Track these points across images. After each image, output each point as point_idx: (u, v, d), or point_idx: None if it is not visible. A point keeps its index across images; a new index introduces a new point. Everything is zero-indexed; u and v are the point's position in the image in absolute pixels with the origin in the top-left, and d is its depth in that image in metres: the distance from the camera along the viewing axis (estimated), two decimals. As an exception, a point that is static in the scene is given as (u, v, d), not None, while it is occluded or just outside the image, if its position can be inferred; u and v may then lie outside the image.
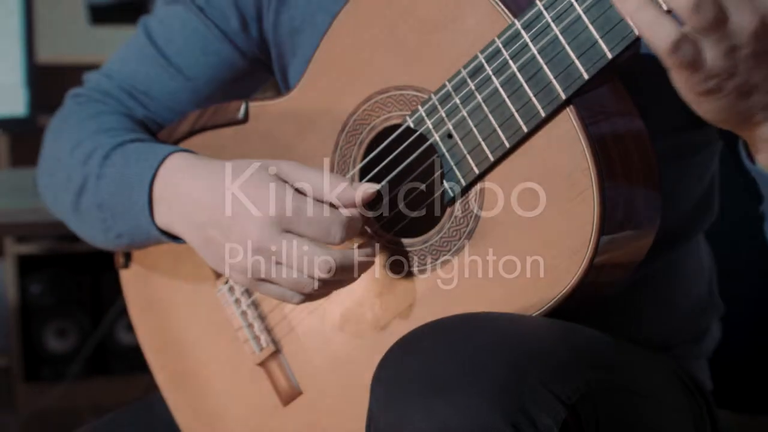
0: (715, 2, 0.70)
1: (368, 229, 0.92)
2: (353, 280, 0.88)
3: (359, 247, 0.87)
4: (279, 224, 0.86)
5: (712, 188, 1.09)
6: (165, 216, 0.96)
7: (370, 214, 0.90)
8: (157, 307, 1.10)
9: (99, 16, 2.11)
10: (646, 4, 0.71)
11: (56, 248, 2.54)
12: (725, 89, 0.74)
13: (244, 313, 1.01)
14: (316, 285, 0.86)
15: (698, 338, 1.11)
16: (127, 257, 1.11)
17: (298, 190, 0.87)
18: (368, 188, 0.87)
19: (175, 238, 0.97)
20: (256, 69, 1.09)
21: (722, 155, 1.06)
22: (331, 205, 0.87)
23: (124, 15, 2.15)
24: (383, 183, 0.89)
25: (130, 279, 1.12)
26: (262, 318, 1.00)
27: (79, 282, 2.59)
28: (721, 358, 1.17)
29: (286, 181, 0.88)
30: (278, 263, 0.87)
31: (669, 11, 0.72)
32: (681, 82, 0.74)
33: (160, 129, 1.09)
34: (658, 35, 0.71)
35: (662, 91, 0.93)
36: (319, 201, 0.87)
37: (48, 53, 2.48)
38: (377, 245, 0.89)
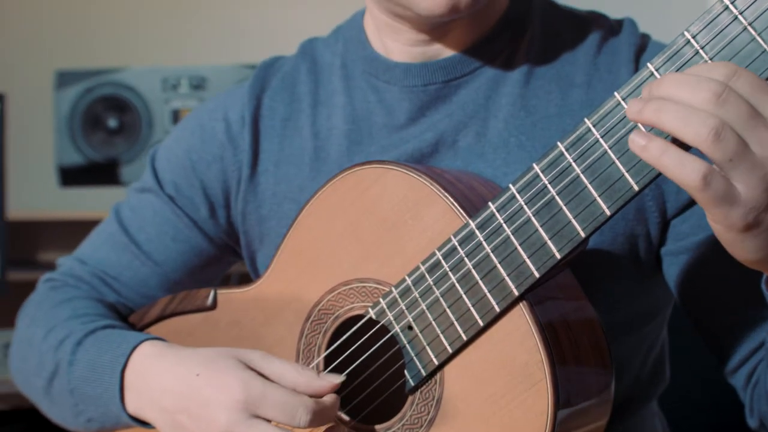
0: (734, 132, 0.68)
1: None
2: None
3: None
4: (246, 410, 0.88)
5: (663, 355, 1.13)
6: (135, 402, 0.98)
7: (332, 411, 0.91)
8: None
9: (69, 178, 2.16)
10: (668, 147, 0.70)
11: (22, 404, 2.51)
12: (765, 222, 0.71)
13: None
14: None
15: None
16: (97, 437, 1.13)
17: (264, 377, 0.90)
18: (333, 378, 0.90)
19: (144, 423, 0.99)
20: (225, 254, 1.13)
21: (669, 323, 1.11)
22: None
23: (93, 177, 2.19)
24: (347, 372, 0.92)
25: (99, 459, 1.13)
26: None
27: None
28: None
29: (253, 369, 0.91)
30: None
31: (690, 149, 0.71)
32: (719, 221, 0.72)
33: (131, 312, 1.12)
34: (687, 174, 0.70)
35: (615, 269, 0.99)
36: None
37: (18, 209, 2.51)
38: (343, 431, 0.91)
